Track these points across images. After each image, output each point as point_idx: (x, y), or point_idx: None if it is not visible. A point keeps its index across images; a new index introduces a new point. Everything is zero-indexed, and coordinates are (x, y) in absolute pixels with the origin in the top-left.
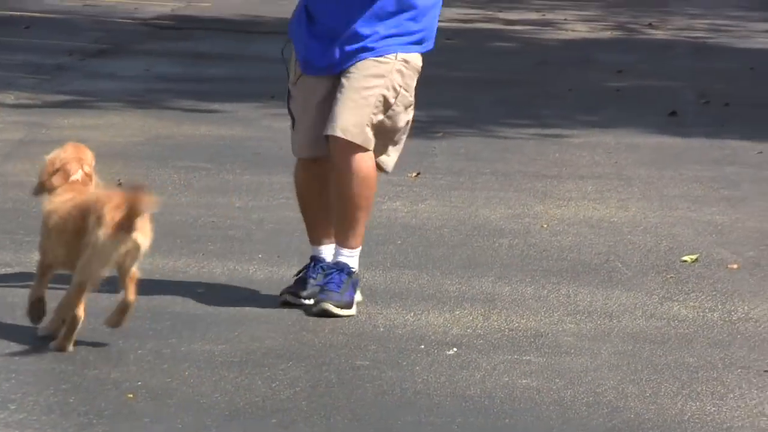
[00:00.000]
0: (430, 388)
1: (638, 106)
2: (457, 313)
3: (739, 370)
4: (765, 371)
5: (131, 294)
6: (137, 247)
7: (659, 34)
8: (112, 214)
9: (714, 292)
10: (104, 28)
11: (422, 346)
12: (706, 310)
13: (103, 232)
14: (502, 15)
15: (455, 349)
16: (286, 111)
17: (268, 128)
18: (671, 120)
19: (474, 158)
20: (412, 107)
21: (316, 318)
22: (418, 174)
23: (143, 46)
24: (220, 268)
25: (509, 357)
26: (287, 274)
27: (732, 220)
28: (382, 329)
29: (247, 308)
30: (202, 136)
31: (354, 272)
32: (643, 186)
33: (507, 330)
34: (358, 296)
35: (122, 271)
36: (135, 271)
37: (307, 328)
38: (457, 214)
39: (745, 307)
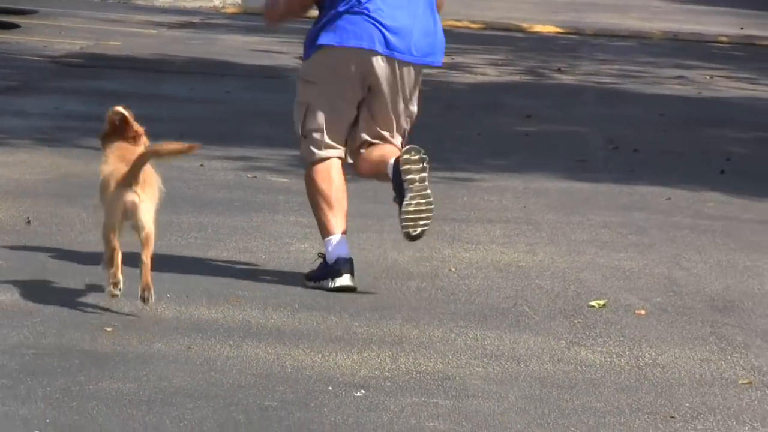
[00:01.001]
0: (338, 430)
1: (547, 151)
2: (365, 354)
3: (646, 416)
4: (671, 417)
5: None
6: (133, 202)
7: (568, 79)
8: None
9: (621, 338)
10: (12, 65)
11: (330, 388)
12: (614, 355)
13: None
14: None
15: (363, 391)
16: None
17: (177, 168)
18: (580, 165)
19: (382, 201)
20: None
21: (224, 358)
22: None
23: (52, 84)
24: (128, 307)
25: (417, 399)
26: (195, 313)
27: (640, 266)
28: (290, 370)
29: (156, 347)
30: None
31: None
32: (551, 231)
33: (415, 372)
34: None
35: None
36: (148, 231)
37: (215, 368)
38: (365, 257)
39: (653, 353)
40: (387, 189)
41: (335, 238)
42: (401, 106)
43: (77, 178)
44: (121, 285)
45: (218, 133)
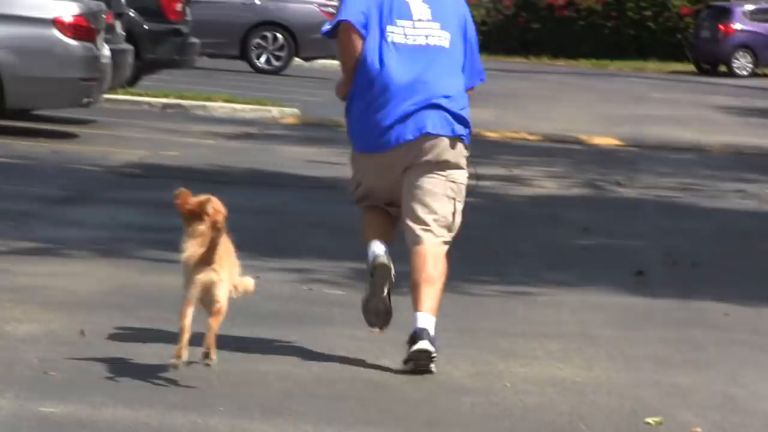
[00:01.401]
0: None
1: (605, 265)
2: None
3: None
4: None
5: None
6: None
7: (627, 192)
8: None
9: None
10: (71, 175)
11: None
12: None
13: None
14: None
15: None
16: (249, 263)
17: None
18: (638, 280)
19: (439, 315)
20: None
21: None
22: (382, 328)
23: (109, 194)
24: (182, 419)
25: None
26: (249, 426)
27: (697, 383)
28: None
29: None
30: (166, 285)
31: None
32: (607, 346)
33: None
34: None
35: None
36: (220, 306)
37: None
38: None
39: None
40: (442, 303)
41: None
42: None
43: (132, 289)
44: (183, 360)
45: (274, 244)
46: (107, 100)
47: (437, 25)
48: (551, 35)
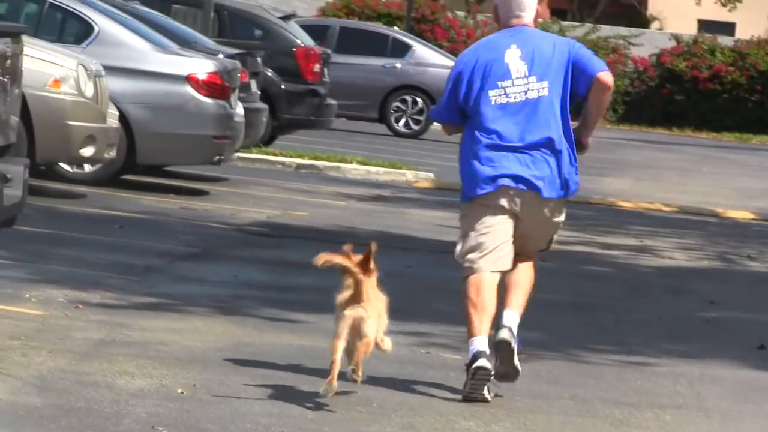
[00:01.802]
0: None
1: (727, 337)
2: None
3: None
4: None
5: (357, 357)
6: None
7: (758, 266)
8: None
9: None
10: (198, 231)
11: None
12: None
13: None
14: (600, 239)
15: None
16: None
17: None
18: (760, 354)
19: (554, 382)
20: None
21: None
22: (496, 395)
23: (234, 252)
24: None
25: None
26: None
27: None
28: None
29: None
30: (283, 344)
31: None
32: (722, 419)
33: None
34: None
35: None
36: (367, 341)
37: None
38: None
39: None
40: (560, 370)
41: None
42: None
43: (248, 347)
44: (334, 389)
45: (395, 307)
46: (241, 158)
47: (534, 78)
48: (695, 107)
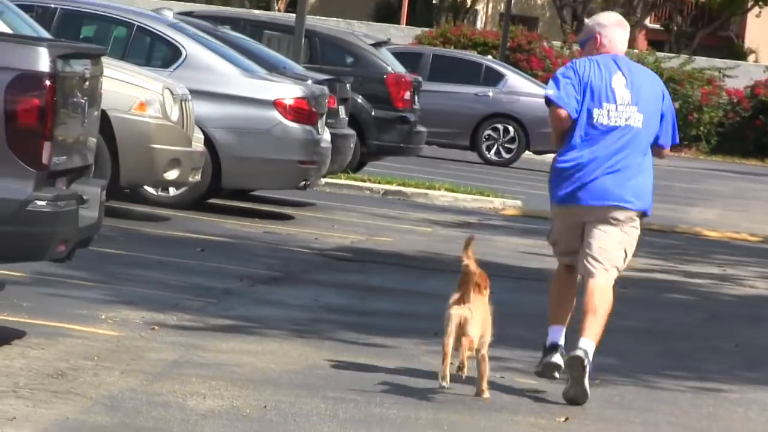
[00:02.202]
0: None
1: None
2: None
3: None
4: None
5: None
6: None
7: None
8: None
9: None
10: (280, 255)
11: None
12: None
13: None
14: (682, 267)
15: None
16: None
17: (426, 364)
18: None
19: (626, 407)
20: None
21: None
22: (567, 419)
23: (315, 276)
24: None
25: None
26: None
27: None
28: None
29: None
30: (359, 367)
31: None
32: None
33: None
34: None
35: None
36: (470, 338)
37: None
38: None
39: None
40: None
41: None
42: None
43: (322, 370)
44: (447, 380)
45: None
46: (328, 184)
47: (635, 108)
48: None
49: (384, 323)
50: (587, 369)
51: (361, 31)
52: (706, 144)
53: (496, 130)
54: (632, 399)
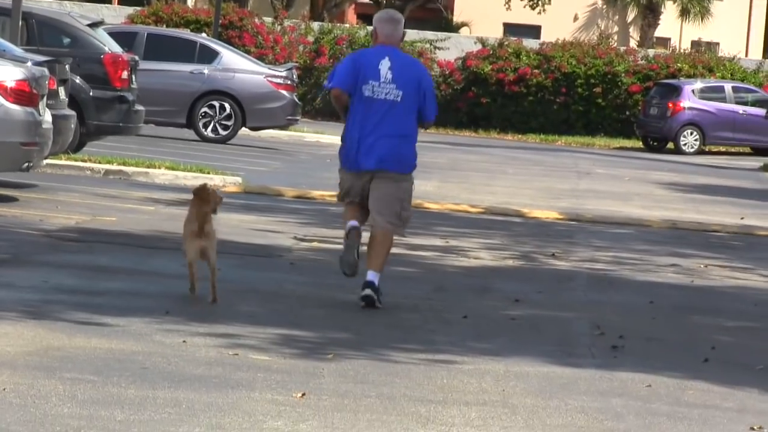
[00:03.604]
0: None
1: (532, 335)
2: None
3: None
4: None
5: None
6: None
7: (561, 264)
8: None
9: None
10: (6, 237)
11: None
12: None
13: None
14: (405, 240)
15: None
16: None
17: (159, 343)
18: (563, 350)
19: (361, 381)
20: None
21: None
22: (304, 394)
23: (43, 258)
24: None
25: None
26: None
27: None
28: None
29: None
30: (92, 348)
31: None
32: (527, 415)
33: None
34: None
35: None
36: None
37: None
38: None
39: None
40: (366, 369)
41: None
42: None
43: (58, 351)
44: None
45: (205, 310)
46: (50, 165)
47: (394, 85)
48: (500, 110)
49: (115, 303)
50: (377, 301)
51: (75, 12)
52: None
53: (212, 107)
54: (367, 373)
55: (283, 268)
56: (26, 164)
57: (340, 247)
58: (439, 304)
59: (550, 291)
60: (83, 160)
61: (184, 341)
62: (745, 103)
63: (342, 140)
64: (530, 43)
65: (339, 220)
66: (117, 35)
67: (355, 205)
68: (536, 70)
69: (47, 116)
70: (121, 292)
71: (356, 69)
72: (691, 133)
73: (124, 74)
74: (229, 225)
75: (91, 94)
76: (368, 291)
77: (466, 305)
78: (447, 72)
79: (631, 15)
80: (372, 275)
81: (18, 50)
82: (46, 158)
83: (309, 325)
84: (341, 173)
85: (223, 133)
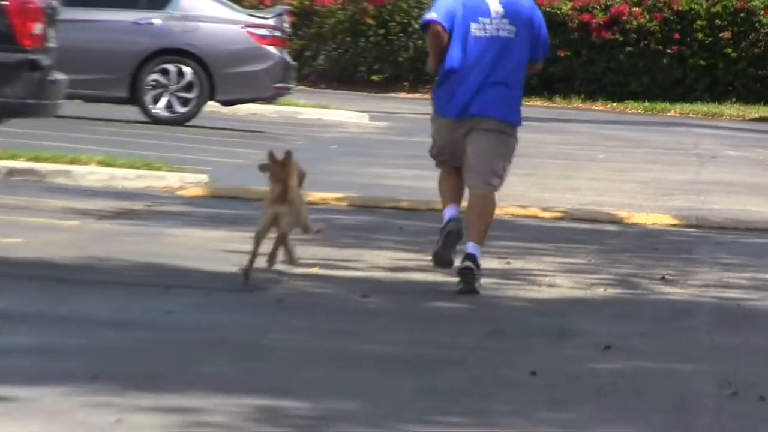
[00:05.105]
0: None
1: (631, 399)
2: None
3: None
4: None
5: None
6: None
7: (676, 292)
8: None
9: None
10: None
11: None
12: None
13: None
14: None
15: None
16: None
17: (83, 425)
18: (677, 421)
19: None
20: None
21: None
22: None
23: None
24: None
25: None
26: None
27: None
28: None
29: None
30: None
31: None
32: None
33: None
34: None
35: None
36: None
37: None
38: None
39: None
40: None
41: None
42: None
43: None
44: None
45: (149, 372)
46: None
47: (507, 20)
48: (586, 68)
49: (20, 365)
50: (477, 276)
51: None
52: None
53: (166, 73)
54: None
55: (267, 308)
56: None
57: (350, 274)
58: (497, 356)
59: (658, 332)
60: None
61: (118, 420)
62: None
63: (438, 81)
64: None
65: (348, 233)
66: None
67: (452, 175)
68: (636, 9)
69: None
70: (29, 349)
71: (461, 4)
72: None
73: (37, 28)
74: (188, 245)
75: None
76: (468, 263)
77: (535, 357)
78: None
79: None
80: (472, 247)
81: None
82: None
83: (303, 392)
84: (435, 122)
85: (181, 110)
